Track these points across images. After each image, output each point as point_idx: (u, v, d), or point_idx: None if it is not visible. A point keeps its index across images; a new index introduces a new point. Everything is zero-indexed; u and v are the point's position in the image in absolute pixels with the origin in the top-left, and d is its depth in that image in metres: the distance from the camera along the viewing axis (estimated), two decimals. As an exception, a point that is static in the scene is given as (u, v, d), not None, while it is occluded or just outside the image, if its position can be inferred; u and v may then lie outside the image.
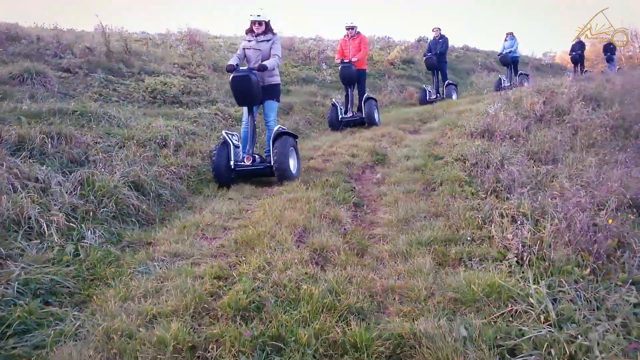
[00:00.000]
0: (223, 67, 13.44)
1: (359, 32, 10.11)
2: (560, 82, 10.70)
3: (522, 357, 2.31)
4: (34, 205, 3.89)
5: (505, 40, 16.48)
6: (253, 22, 6.31)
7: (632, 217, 4.02)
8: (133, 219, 4.46)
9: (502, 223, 3.89)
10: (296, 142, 6.46)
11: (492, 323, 2.61)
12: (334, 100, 10.41)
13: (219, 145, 6.02)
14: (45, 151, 5.07)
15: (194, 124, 8.02)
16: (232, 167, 5.94)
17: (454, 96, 14.26)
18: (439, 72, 14.11)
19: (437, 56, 13.62)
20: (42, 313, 2.74)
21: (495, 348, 2.38)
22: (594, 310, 2.65)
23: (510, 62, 16.16)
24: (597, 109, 8.72)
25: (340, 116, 10.02)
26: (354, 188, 5.79)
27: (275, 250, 3.61)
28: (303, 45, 18.70)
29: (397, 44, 21.86)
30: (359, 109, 10.13)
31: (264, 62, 6.04)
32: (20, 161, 4.51)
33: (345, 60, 9.77)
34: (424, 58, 14.23)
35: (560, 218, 3.65)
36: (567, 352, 2.24)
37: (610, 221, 3.65)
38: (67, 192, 4.22)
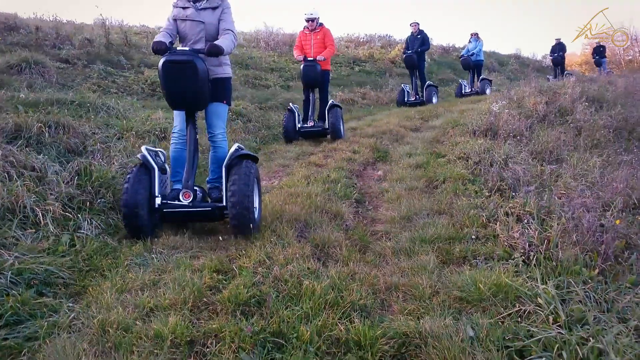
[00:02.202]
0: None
1: (321, 25, 8.38)
2: (562, 84, 10.63)
3: (531, 358, 2.23)
4: (30, 194, 3.80)
5: (469, 41, 15.38)
6: None
7: (639, 218, 3.96)
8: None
9: (508, 222, 3.82)
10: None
11: (500, 323, 2.53)
12: (291, 105, 8.53)
13: (135, 171, 3.76)
14: (43, 140, 4.98)
15: (194, 117, 7.92)
16: (156, 206, 3.74)
17: (434, 99, 13.12)
18: (417, 71, 12.99)
19: (417, 54, 12.58)
20: (36, 304, 2.65)
21: (504, 349, 2.31)
22: (604, 312, 2.58)
23: (472, 65, 15.00)
24: (599, 110, 8.67)
25: (298, 125, 8.30)
26: (356, 184, 5.71)
27: (276, 244, 3.52)
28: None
29: (398, 43, 21.76)
30: (321, 118, 8.38)
31: (215, 42, 3.83)
32: (16, 149, 4.41)
33: (309, 59, 8.13)
34: (404, 56, 13.09)
35: (567, 217, 3.58)
36: (579, 354, 2.16)
37: (617, 222, 3.58)
38: (63, 182, 4.13)
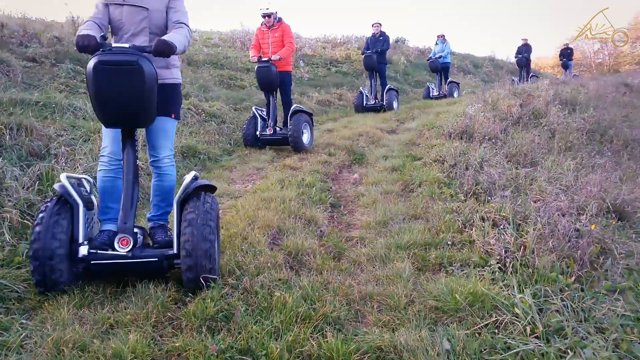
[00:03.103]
0: (197, 61, 13.15)
1: (280, 20, 7.49)
2: (536, 86, 10.74)
3: (509, 372, 2.16)
4: (-15, 201, 3.59)
5: (436, 44, 15.17)
6: None
7: (613, 222, 3.95)
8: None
9: (483, 227, 3.77)
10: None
11: (477, 335, 2.46)
12: (254, 109, 7.78)
13: (50, 208, 2.81)
14: (3, 143, 4.74)
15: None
16: (80, 257, 2.80)
17: (395, 104, 12.36)
18: (377, 73, 12.14)
19: (377, 55, 11.69)
20: (-15, 321, 2.47)
21: (481, 362, 2.23)
22: (581, 321, 2.53)
23: (439, 68, 14.75)
24: (572, 113, 8.77)
25: (258, 132, 7.55)
26: (331, 188, 5.61)
27: (247, 253, 3.39)
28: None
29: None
30: (285, 124, 7.51)
31: (165, 37, 2.88)
32: (-28, 153, 4.18)
33: (263, 59, 7.21)
34: (363, 56, 12.13)
35: (543, 223, 3.54)
36: (558, 368, 2.10)
37: (593, 227, 3.56)
38: (23, 187, 3.92)
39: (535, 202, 4.24)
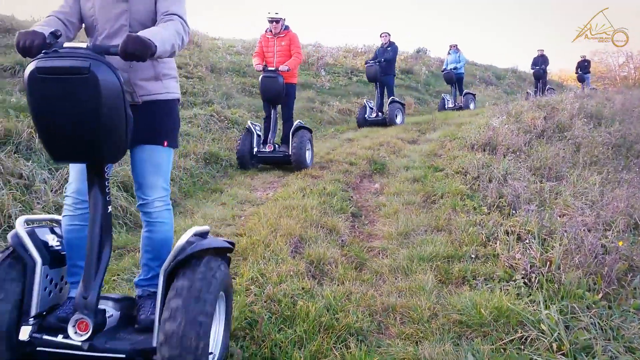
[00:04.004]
0: (221, 68, 13.30)
1: (287, 28, 6.96)
2: (560, 99, 10.63)
3: (535, 390, 2.13)
4: (16, 203, 3.68)
5: (449, 54, 14.64)
6: None
7: (641, 239, 3.88)
8: (120, 221, 4.25)
9: (508, 241, 3.73)
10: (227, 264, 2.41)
11: (502, 350, 2.43)
12: (249, 123, 7.14)
13: None
14: (32, 146, 4.87)
15: (189, 125, 7.83)
16: (25, 340, 1.97)
17: (399, 118, 11.41)
18: (383, 85, 11.29)
19: (382, 65, 10.93)
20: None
21: (506, 379, 2.21)
22: (610, 340, 2.48)
23: (454, 79, 14.21)
24: (597, 127, 8.65)
25: (255, 149, 6.88)
26: (352, 197, 5.61)
27: (269, 260, 3.41)
28: (302, 50, 18.59)
29: (400, 54, 21.78)
30: (285, 142, 6.93)
31: (140, 33, 1.95)
32: (4, 155, 4.29)
33: (270, 69, 6.68)
34: (366, 66, 11.40)
35: (569, 238, 3.49)
36: (586, 387, 2.06)
37: (620, 243, 3.50)
38: (51, 190, 4.02)
39: (561, 217, 4.18)
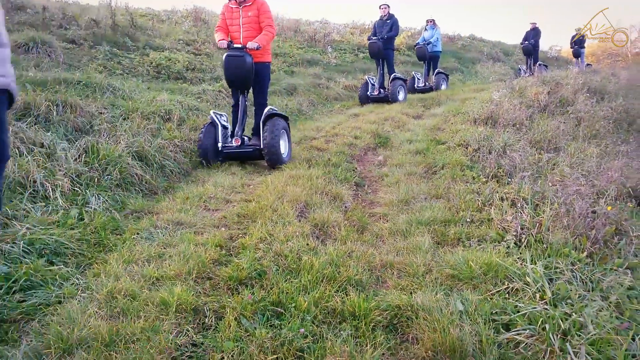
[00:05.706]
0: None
1: None
2: (565, 74, 10.69)
3: (516, 331, 2.36)
4: (40, 169, 3.92)
5: (425, 29, 13.70)
6: None
7: (630, 205, 4.06)
8: (136, 188, 4.50)
9: (502, 206, 3.93)
10: None
11: (489, 299, 2.66)
12: (212, 114, 5.97)
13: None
14: (51, 118, 5.10)
15: (198, 100, 8.03)
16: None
17: (401, 95, 11.15)
18: (384, 61, 11.10)
19: (383, 41, 10.72)
20: (47, 272, 2.79)
21: (491, 322, 2.44)
22: (589, 290, 2.70)
23: (427, 56, 13.16)
24: (600, 102, 8.75)
25: (220, 143, 5.80)
26: (356, 168, 5.81)
27: (276, 223, 3.64)
28: (309, 27, 18.60)
29: (404, 30, 21.71)
30: (256, 133, 5.99)
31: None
32: (25, 126, 4.53)
33: (236, 46, 5.63)
34: (368, 42, 11.07)
35: (560, 203, 3.69)
36: (561, 327, 2.29)
37: (609, 208, 3.68)
38: (72, 159, 4.25)
39: (554, 185, 4.37)
